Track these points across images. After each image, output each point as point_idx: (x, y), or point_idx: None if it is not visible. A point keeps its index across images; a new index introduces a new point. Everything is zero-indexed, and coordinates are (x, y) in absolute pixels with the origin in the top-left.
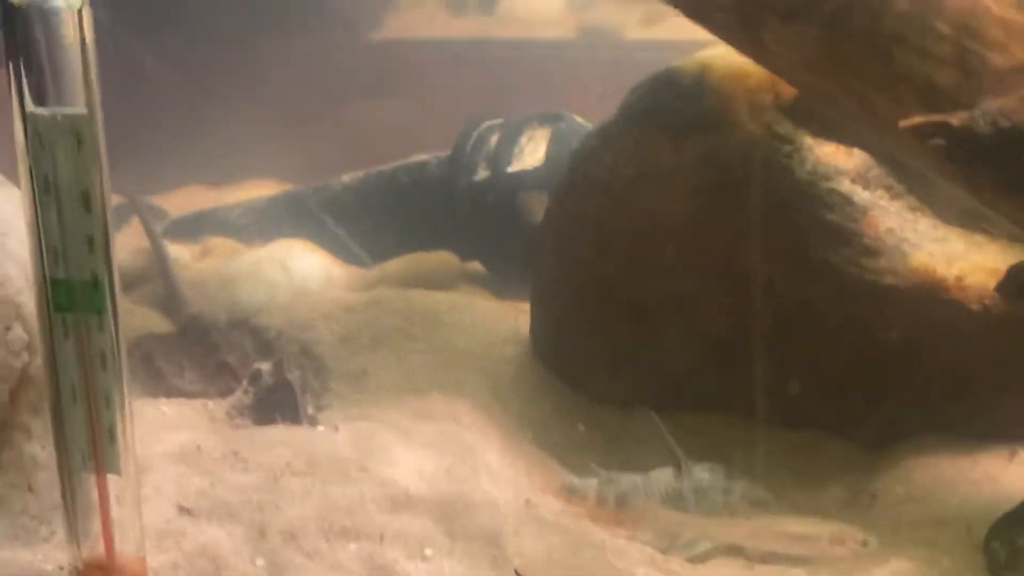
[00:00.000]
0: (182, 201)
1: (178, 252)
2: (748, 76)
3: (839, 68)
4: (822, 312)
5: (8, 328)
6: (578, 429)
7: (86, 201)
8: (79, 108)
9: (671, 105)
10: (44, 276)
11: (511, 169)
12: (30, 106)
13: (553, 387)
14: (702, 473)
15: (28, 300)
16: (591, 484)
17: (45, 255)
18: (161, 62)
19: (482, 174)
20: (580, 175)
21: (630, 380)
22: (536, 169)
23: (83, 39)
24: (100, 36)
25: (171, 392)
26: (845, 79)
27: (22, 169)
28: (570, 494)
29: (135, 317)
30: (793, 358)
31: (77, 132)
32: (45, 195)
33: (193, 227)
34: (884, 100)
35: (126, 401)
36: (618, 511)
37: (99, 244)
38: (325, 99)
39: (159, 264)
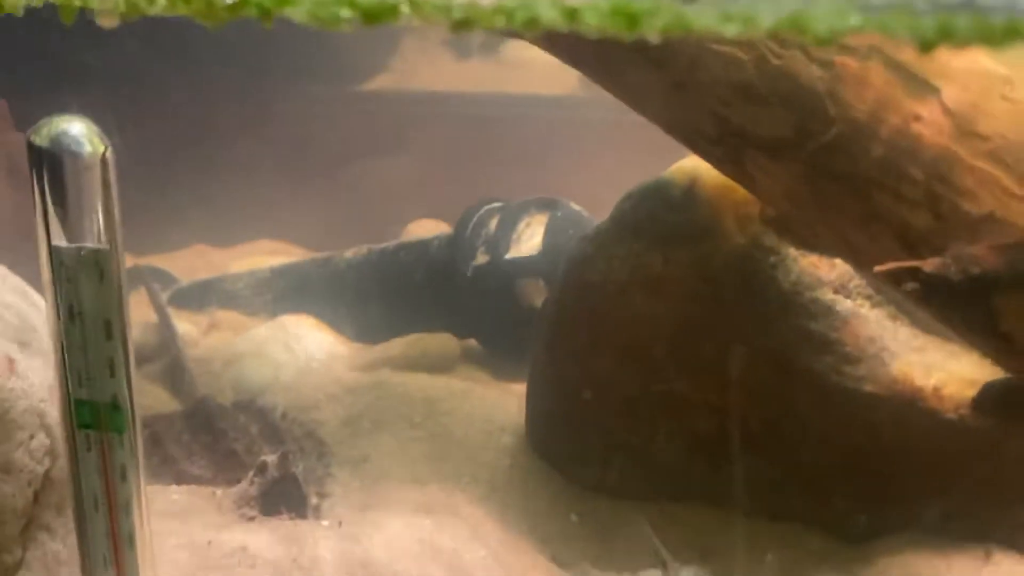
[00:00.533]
0: (189, 261)
1: (186, 328)
2: (735, 189)
3: (820, 203)
4: (805, 414)
5: (32, 436)
6: (571, 519)
7: (108, 329)
8: (102, 244)
9: (662, 215)
10: (68, 396)
11: (509, 256)
12: (56, 240)
13: (548, 477)
14: (688, 574)
15: (50, 408)
16: None
17: (69, 377)
18: (164, 121)
19: (481, 259)
20: (576, 277)
21: (622, 471)
22: (532, 257)
23: (106, 180)
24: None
25: (181, 478)
26: (825, 214)
27: (48, 298)
28: None
29: (144, 395)
30: (778, 456)
31: (100, 266)
32: (70, 323)
33: (199, 297)
34: (862, 237)
35: (144, 510)
36: None
37: (120, 368)
38: (327, 158)
39: (168, 342)
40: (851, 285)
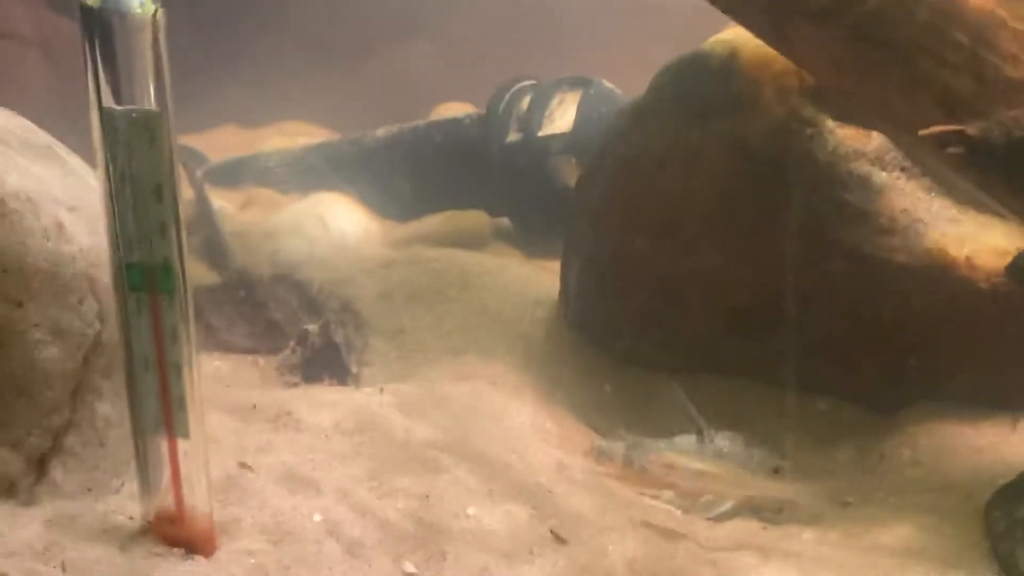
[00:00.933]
0: (218, 141)
1: (221, 203)
2: (775, 60)
3: (862, 70)
4: (839, 287)
5: (82, 300)
6: (605, 389)
7: (158, 192)
8: (153, 107)
9: (700, 87)
10: (119, 259)
11: (541, 133)
12: (107, 103)
13: (581, 348)
14: (723, 441)
15: (99, 272)
16: (619, 447)
17: (121, 241)
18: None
19: (513, 136)
20: (611, 151)
21: (655, 343)
22: (565, 134)
23: (156, 42)
24: None
25: (223, 347)
26: (867, 81)
27: (99, 162)
28: (599, 456)
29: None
30: (811, 329)
31: (151, 129)
32: (121, 186)
33: (232, 174)
34: (904, 103)
35: (195, 371)
36: (643, 473)
37: (170, 231)
38: (354, 41)
39: (205, 216)
40: (887, 157)
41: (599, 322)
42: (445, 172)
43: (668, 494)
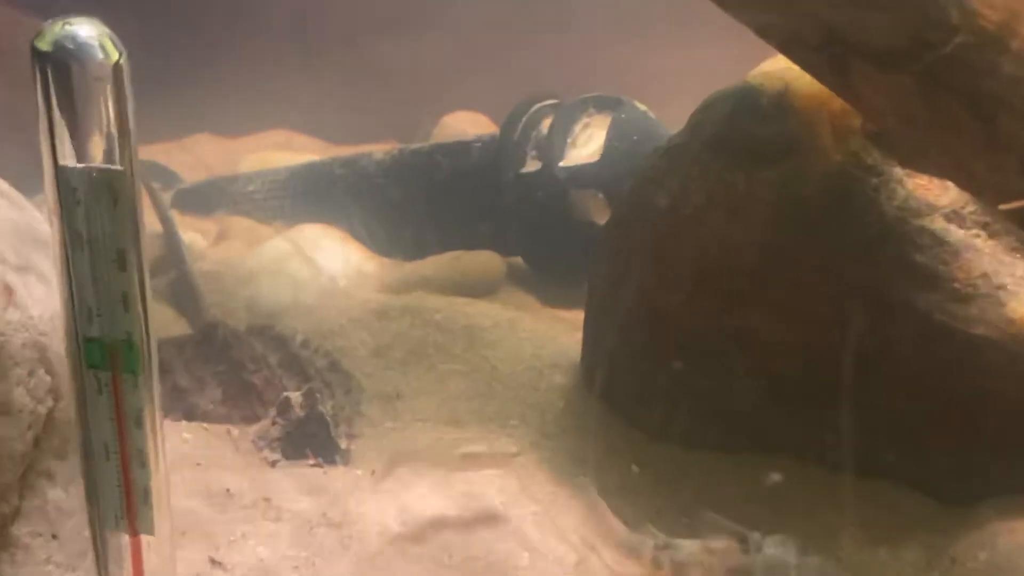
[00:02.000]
0: (192, 152)
1: (192, 237)
2: (833, 99)
3: (934, 124)
4: (903, 357)
5: (32, 373)
6: (632, 470)
7: (122, 259)
8: (115, 164)
9: (746, 127)
10: (76, 333)
11: (564, 163)
12: (63, 159)
13: (606, 421)
14: (772, 548)
15: (53, 342)
16: (647, 544)
17: (78, 313)
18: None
19: (531, 166)
20: (644, 196)
21: (689, 417)
22: (591, 165)
23: (120, 93)
24: None
25: (192, 413)
26: (940, 136)
27: (53, 223)
28: (625, 551)
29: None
30: (868, 403)
31: (114, 190)
32: (78, 251)
33: (205, 197)
34: (981, 165)
35: (162, 460)
36: None
37: (135, 303)
38: (351, 33)
39: (173, 253)
40: (965, 212)
41: (627, 390)
42: (452, 204)
43: None
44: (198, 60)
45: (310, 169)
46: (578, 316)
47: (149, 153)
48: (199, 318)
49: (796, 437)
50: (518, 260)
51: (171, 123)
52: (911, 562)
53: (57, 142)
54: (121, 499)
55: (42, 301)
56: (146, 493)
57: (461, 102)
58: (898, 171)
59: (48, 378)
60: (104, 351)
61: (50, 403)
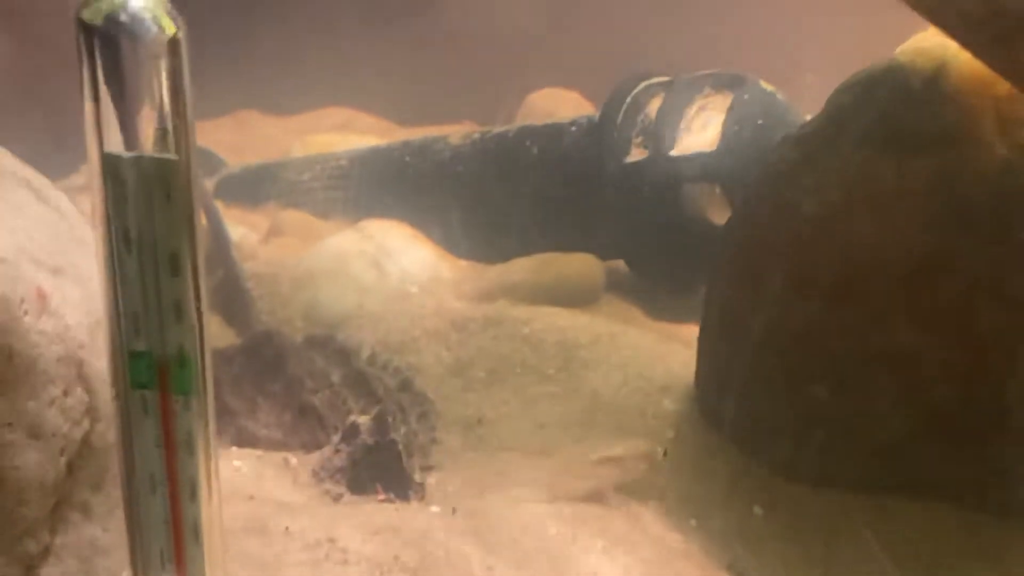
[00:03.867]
0: (232, 133)
1: (241, 233)
2: (997, 81)
3: None
4: None
5: (67, 392)
6: (755, 513)
7: (175, 262)
8: (170, 154)
9: (896, 113)
10: (121, 346)
11: (675, 152)
12: (110, 147)
13: (725, 454)
14: None
15: (91, 355)
16: None
17: (123, 323)
18: None
19: (637, 155)
20: (773, 192)
21: (824, 451)
22: (709, 154)
23: (177, 71)
24: None
25: (243, 439)
26: None
27: (97, 220)
28: None
29: None
30: None
31: (167, 181)
32: (125, 253)
33: (254, 184)
34: None
35: (215, 493)
36: None
37: (189, 313)
38: (418, 2)
39: (219, 251)
40: None
41: (749, 419)
42: (542, 198)
43: None
44: (244, 27)
45: (375, 155)
46: (691, 331)
47: None
48: (249, 327)
49: (953, 477)
50: (620, 264)
51: (212, 98)
52: None
53: (104, 127)
54: (168, 537)
55: (79, 307)
56: (197, 531)
57: (551, 77)
58: None
59: (86, 397)
60: (152, 368)
61: (87, 426)
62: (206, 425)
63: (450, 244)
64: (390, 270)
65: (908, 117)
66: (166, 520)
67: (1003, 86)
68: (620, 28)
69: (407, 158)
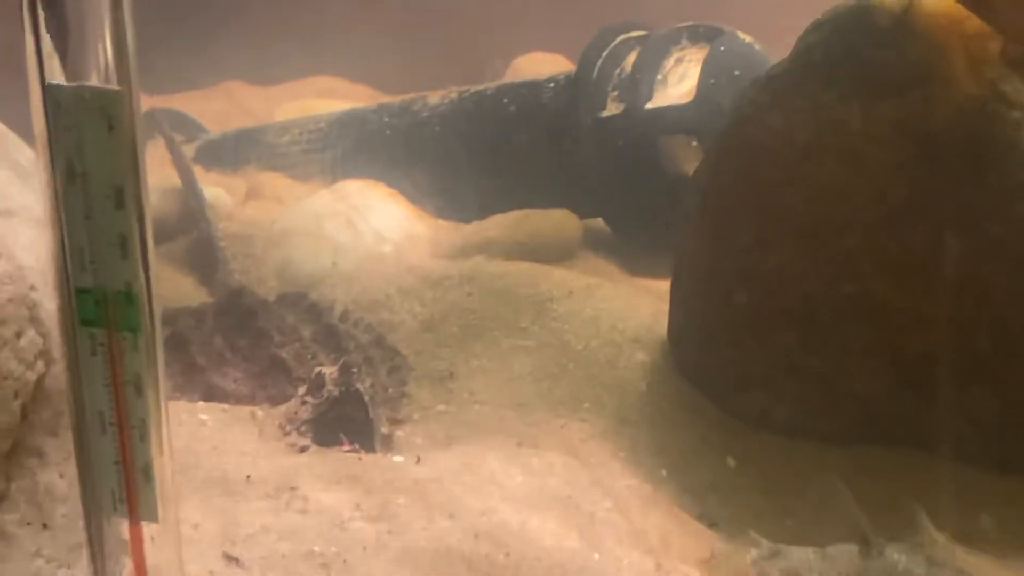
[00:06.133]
0: (218, 103)
1: (217, 194)
2: (966, 18)
3: None
4: None
5: (20, 334)
6: (728, 465)
7: (119, 195)
8: (111, 84)
9: (864, 53)
10: (68, 283)
11: (651, 105)
12: (50, 78)
13: (697, 407)
14: (898, 554)
15: (44, 297)
16: (748, 556)
17: (69, 258)
18: None
19: (612, 108)
20: (741, 138)
21: (796, 402)
22: (684, 106)
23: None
24: None
25: (210, 393)
26: None
27: (40, 155)
28: (720, 566)
29: (163, 283)
30: (1012, 386)
31: (108, 112)
32: (69, 186)
33: (234, 149)
34: None
35: (165, 432)
36: None
37: (134, 247)
38: None
39: (194, 213)
40: None
41: (721, 370)
42: (519, 155)
43: None
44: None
45: (353, 117)
46: (666, 286)
47: (169, 102)
48: (222, 285)
49: (924, 427)
50: (598, 222)
51: (194, 69)
52: None
53: (46, 58)
54: (119, 478)
55: (31, 249)
56: (147, 472)
57: (536, 42)
58: None
59: (39, 339)
60: (99, 304)
61: (41, 368)
62: (154, 364)
63: (427, 203)
64: (365, 229)
65: (875, 56)
66: (116, 461)
67: (972, 23)
68: None
69: (386, 118)
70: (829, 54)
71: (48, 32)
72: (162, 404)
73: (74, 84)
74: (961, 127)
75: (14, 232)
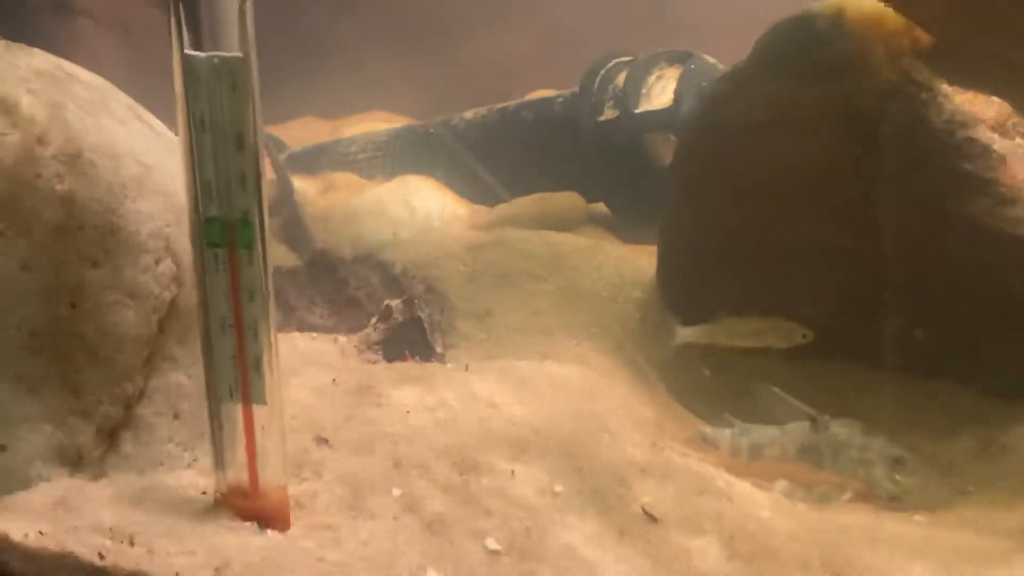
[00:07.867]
0: (298, 132)
1: (302, 186)
2: (885, 20)
3: (984, 23)
4: (956, 261)
5: (158, 261)
6: (704, 374)
7: (240, 140)
8: (235, 52)
9: (807, 49)
10: (198, 213)
11: (638, 110)
12: (188, 49)
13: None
14: (839, 428)
15: (177, 233)
16: (724, 435)
17: (200, 193)
18: None
19: (609, 114)
20: (711, 120)
21: None
22: (664, 111)
23: None
24: None
25: (303, 326)
26: (989, 35)
27: (179, 110)
28: (703, 443)
29: None
30: (925, 307)
31: (233, 75)
32: (200, 135)
33: (313, 160)
34: None
35: (272, 333)
36: (751, 462)
37: (251, 182)
38: (442, 29)
39: (285, 197)
40: (1009, 124)
41: (697, 302)
42: (536, 153)
43: (782, 484)
44: (304, 50)
45: (406, 130)
46: (655, 249)
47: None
48: (308, 251)
49: (858, 343)
50: (601, 207)
51: (279, 108)
52: (964, 449)
53: (183, 32)
54: (236, 370)
55: (169, 195)
56: (258, 363)
57: (545, 82)
58: (946, 87)
59: (173, 266)
60: (222, 229)
61: (174, 290)
62: (264, 275)
63: (465, 192)
64: (418, 210)
65: (815, 52)
66: (233, 356)
67: (890, 23)
68: (598, 45)
69: (431, 130)
70: (780, 51)
71: (186, 11)
72: (271, 309)
73: (206, 53)
74: (882, 106)
75: (157, 180)
